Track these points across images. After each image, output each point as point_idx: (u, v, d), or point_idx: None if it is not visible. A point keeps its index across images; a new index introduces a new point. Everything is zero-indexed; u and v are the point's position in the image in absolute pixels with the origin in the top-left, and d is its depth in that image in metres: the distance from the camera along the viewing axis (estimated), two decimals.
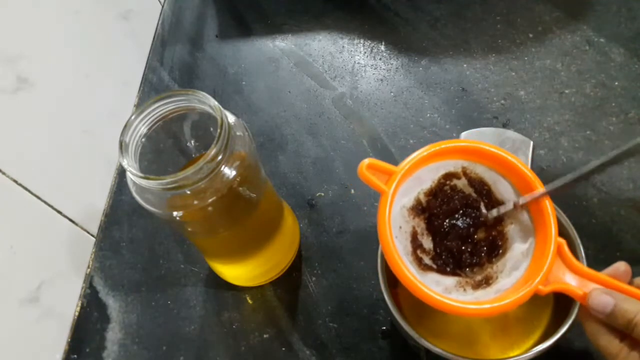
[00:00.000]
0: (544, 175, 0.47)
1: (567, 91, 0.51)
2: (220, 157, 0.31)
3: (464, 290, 0.31)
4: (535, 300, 0.37)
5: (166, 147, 0.36)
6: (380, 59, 0.58)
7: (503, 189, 0.33)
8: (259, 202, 0.38)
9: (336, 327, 0.43)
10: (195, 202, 0.32)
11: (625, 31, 0.54)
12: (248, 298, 0.45)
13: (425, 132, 0.51)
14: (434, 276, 0.31)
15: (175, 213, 0.32)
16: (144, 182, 0.30)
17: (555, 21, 0.56)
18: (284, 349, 0.42)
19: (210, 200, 0.32)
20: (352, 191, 0.49)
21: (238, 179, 0.33)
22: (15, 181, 0.42)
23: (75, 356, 0.45)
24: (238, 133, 0.33)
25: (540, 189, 0.31)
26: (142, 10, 0.65)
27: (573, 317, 0.32)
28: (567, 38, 0.55)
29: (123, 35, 0.61)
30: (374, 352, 0.41)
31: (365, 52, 0.59)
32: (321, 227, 0.48)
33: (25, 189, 0.43)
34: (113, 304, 0.47)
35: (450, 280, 0.31)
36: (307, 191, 0.50)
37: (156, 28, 0.67)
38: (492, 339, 0.37)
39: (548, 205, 0.30)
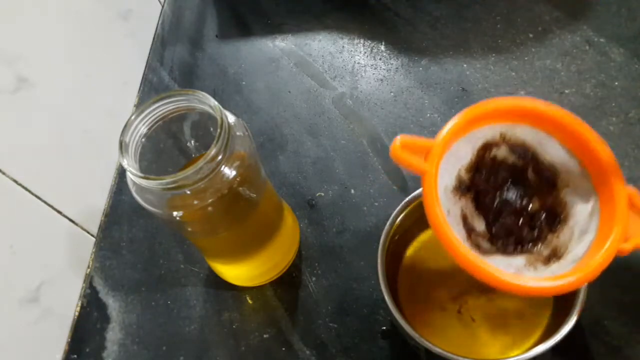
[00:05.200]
0: None
1: (567, 91, 0.51)
2: (220, 157, 0.31)
3: (535, 268, 0.28)
4: (536, 299, 0.37)
5: (166, 147, 0.36)
6: (380, 59, 0.58)
7: (550, 148, 0.29)
8: (259, 202, 0.38)
9: (336, 327, 0.43)
10: (195, 202, 0.32)
11: (625, 31, 0.54)
12: (248, 298, 0.45)
13: (425, 132, 0.51)
14: (499, 259, 0.28)
15: (175, 213, 0.32)
16: (144, 182, 0.30)
17: (555, 21, 0.56)
18: (284, 349, 0.42)
19: (210, 200, 0.32)
20: (352, 191, 0.49)
21: (238, 179, 0.33)
22: (15, 181, 0.42)
23: (75, 356, 0.45)
24: (238, 133, 0.33)
25: None
26: (142, 10, 0.65)
27: (574, 317, 0.32)
28: (567, 38, 0.55)
29: (123, 35, 0.61)
30: (374, 352, 0.41)
31: (365, 52, 0.59)
32: (321, 227, 0.48)
33: (25, 189, 0.43)
34: (113, 304, 0.47)
35: (518, 260, 0.28)
36: (307, 191, 0.50)
37: (156, 28, 0.67)
38: (492, 339, 0.37)
39: (608, 151, 0.27)
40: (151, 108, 0.33)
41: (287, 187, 0.51)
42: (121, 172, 0.55)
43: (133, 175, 0.30)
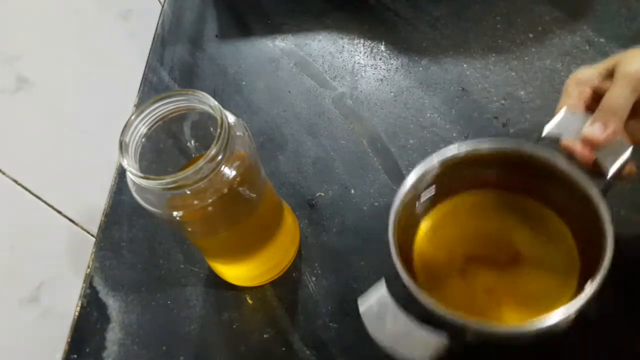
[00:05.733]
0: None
1: None
2: (220, 157, 0.31)
3: None
4: (561, 265, 0.36)
5: (166, 147, 0.36)
6: (380, 59, 0.58)
7: None
8: (259, 202, 0.38)
9: (336, 327, 0.43)
10: (195, 202, 0.32)
11: (625, 31, 0.54)
12: (248, 298, 0.45)
13: (425, 132, 0.51)
14: None
15: (175, 213, 0.32)
16: (144, 182, 0.30)
17: (555, 21, 0.56)
18: (284, 349, 0.42)
19: (210, 200, 0.32)
20: (352, 191, 0.49)
21: (238, 179, 0.33)
22: (15, 181, 0.42)
23: (75, 356, 0.45)
24: (238, 133, 0.33)
25: None
26: (142, 10, 0.65)
27: (600, 277, 0.30)
28: (567, 38, 0.55)
29: (123, 35, 0.61)
30: (374, 352, 0.41)
31: (365, 52, 0.59)
32: (321, 227, 0.48)
33: (25, 189, 0.43)
34: (113, 304, 0.47)
35: None
36: (307, 191, 0.50)
37: (156, 28, 0.67)
38: (513, 310, 0.36)
39: None
40: (151, 108, 0.33)
41: (287, 187, 0.51)
42: (121, 172, 0.55)
43: (133, 175, 0.30)
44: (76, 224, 0.49)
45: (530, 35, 0.56)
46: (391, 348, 0.31)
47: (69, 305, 0.47)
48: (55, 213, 0.46)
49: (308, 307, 0.44)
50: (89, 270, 0.49)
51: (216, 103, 0.31)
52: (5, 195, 0.41)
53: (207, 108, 0.32)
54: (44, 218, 0.45)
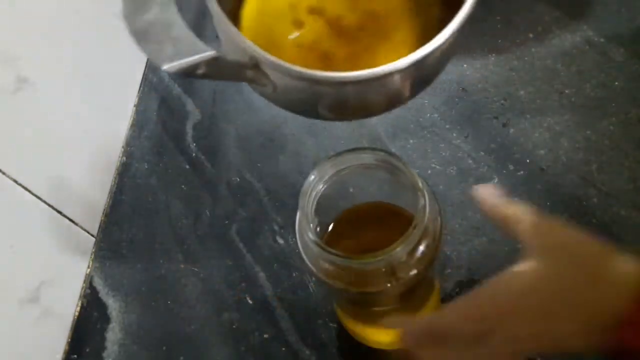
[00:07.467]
0: (544, 175, 0.47)
1: (567, 91, 0.51)
2: (422, 234, 0.29)
3: None
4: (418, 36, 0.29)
5: (332, 203, 0.34)
6: None
7: None
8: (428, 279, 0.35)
9: (336, 327, 0.43)
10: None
11: (625, 31, 0.54)
12: (248, 298, 0.45)
13: (425, 132, 0.51)
14: None
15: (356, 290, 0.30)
16: (338, 260, 0.28)
17: (555, 21, 0.56)
18: (284, 349, 0.42)
19: (391, 282, 0.30)
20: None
21: (427, 258, 0.30)
22: (15, 181, 0.42)
23: (75, 356, 0.45)
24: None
25: None
26: None
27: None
28: (567, 38, 0.55)
29: (123, 34, 0.61)
30: (373, 352, 0.41)
31: None
32: None
33: (26, 189, 0.43)
34: (113, 304, 0.47)
35: None
36: None
37: None
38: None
39: None
40: (336, 167, 0.32)
41: (287, 187, 0.51)
42: (121, 172, 0.55)
43: (325, 251, 0.28)
44: (76, 224, 0.49)
45: (530, 35, 0.56)
46: (137, 36, 0.24)
47: (69, 305, 0.47)
48: (56, 213, 0.46)
49: (308, 307, 0.44)
50: (89, 270, 0.49)
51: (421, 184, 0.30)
52: (5, 195, 0.41)
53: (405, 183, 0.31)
54: (44, 218, 0.45)
